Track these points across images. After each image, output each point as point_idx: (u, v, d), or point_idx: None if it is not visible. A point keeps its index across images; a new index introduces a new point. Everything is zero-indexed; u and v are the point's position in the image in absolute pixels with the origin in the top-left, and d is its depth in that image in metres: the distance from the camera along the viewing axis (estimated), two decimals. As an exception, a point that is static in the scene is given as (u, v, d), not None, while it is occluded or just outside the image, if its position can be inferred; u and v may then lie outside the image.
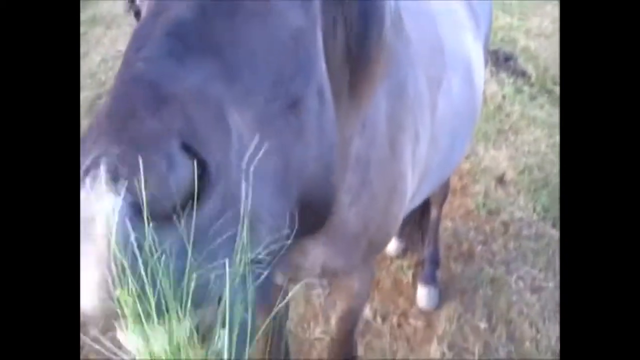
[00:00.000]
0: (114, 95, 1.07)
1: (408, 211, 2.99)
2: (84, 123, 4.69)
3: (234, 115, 1.18)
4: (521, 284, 4.35)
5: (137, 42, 1.16)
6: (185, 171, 1.01)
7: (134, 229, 0.95)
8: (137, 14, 1.46)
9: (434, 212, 4.27)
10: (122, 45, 7.04)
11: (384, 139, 2.15)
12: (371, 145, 2.09)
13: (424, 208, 4.24)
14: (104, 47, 7.04)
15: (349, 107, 1.86)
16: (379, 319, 3.96)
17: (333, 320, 3.29)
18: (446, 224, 4.79)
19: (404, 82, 2.24)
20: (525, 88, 6.92)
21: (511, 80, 7.00)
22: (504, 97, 6.67)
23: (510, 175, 5.46)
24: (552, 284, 4.33)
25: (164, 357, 1.07)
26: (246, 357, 1.21)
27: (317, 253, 2.27)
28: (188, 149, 1.03)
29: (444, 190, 4.17)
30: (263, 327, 1.33)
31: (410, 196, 2.48)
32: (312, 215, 1.54)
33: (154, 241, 0.97)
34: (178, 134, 1.03)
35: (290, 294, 2.57)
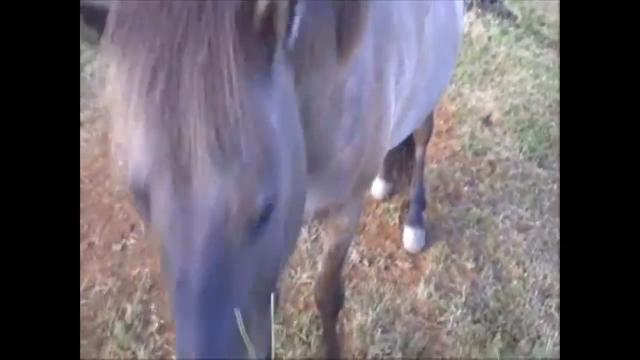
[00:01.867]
0: None
1: (398, 142, 2.99)
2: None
3: None
4: (508, 223, 4.35)
5: None
6: None
7: None
8: None
9: (419, 152, 4.23)
10: None
11: (372, 74, 2.16)
12: (361, 82, 2.10)
13: (409, 149, 4.20)
14: None
15: (341, 55, 1.84)
16: (366, 263, 3.94)
17: (320, 265, 3.28)
18: (432, 166, 4.76)
19: (389, 13, 2.24)
20: (512, 29, 6.86)
21: (497, 21, 6.92)
22: (490, 38, 6.60)
23: (496, 116, 5.43)
24: (539, 223, 4.33)
25: None
26: None
27: (311, 198, 2.28)
28: None
29: (428, 127, 4.13)
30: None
31: (396, 123, 2.51)
32: None
33: None
34: None
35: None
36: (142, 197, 1.32)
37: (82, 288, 3.62)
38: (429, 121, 4.08)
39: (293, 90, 1.53)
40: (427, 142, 4.24)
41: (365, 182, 2.48)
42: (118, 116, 1.28)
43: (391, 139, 2.59)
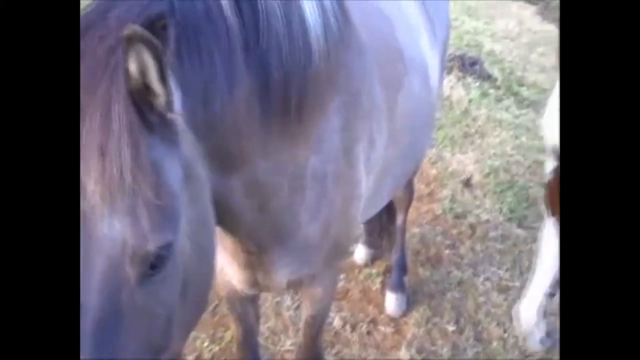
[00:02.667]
0: None
1: (374, 212, 3.11)
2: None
3: None
4: (488, 284, 4.44)
5: None
6: None
7: None
8: None
9: (399, 218, 4.34)
10: None
11: (339, 152, 2.25)
12: (326, 160, 2.20)
13: (390, 215, 4.32)
14: None
15: (298, 134, 1.97)
16: (348, 328, 4.02)
17: (301, 332, 3.36)
18: (414, 230, 4.88)
19: (357, 93, 2.32)
20: (491, 91, 7.05)
21: (477, 84, 7.11)
22: (470, 101, 6.78)
23: (476, 178, 5.57)
24: (518, 283, 4.42)
25: None
26: None
27: (281, 271, 2.39)
28: None
29: (408, 194, 4.26)
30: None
31: (370, 195, 2.61)
32: None
33: None
34: None
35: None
36: None
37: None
38: (409, 188, 4.22)
39: (201, 166, 1.64)
40: (407, 208, 4.36)
41: (336, 254, 2.56)
42: None
43: (366, 210, 2.71)
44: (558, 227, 2.88)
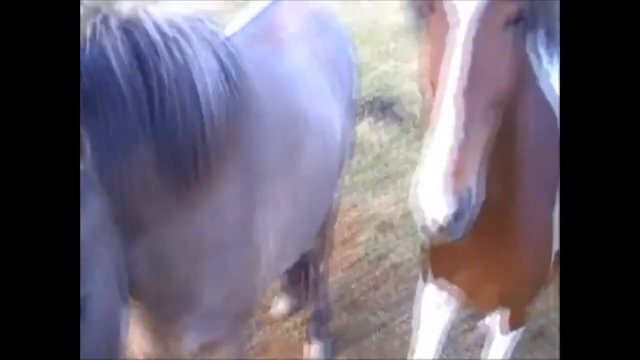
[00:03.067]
0: None
1: (282, 270, 3.14)
2: None
3: None
4: (412, 322, 4.49)
5: None
6: None
7: None
8: None
9: (317, 269, 4.35)
10: None
11: (238, 217, 2.30)
12: (226, 227, 2.24)
13: (310, 264, 4.34)
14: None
15: (198, 202, 2.02)
16: (272, 383, 4.03)
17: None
18: (337, 275, 4.91)
19: (257, 157, 2.38)
20: (411, 129, 7.14)
21: (394, 125, 7.22)
22: (389, 141, 6.88)
23: (396, 219, 5.64)
24: (440, 318, 4.47)
25: None
26: None
27: (189, 336, 2.40)
28: None
29: (322, 245, 4.25)
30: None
31: (275, 255, 2.62)
32: None
33: None
34: None
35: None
36: None
37: None
38: (323, 238, 4.17)
39: (109, 221, 1.65)
40: (324, 257, 4.34)
41: (242, 317, 2.60)
42: None
43: (275, 268, 2.76)
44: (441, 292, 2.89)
